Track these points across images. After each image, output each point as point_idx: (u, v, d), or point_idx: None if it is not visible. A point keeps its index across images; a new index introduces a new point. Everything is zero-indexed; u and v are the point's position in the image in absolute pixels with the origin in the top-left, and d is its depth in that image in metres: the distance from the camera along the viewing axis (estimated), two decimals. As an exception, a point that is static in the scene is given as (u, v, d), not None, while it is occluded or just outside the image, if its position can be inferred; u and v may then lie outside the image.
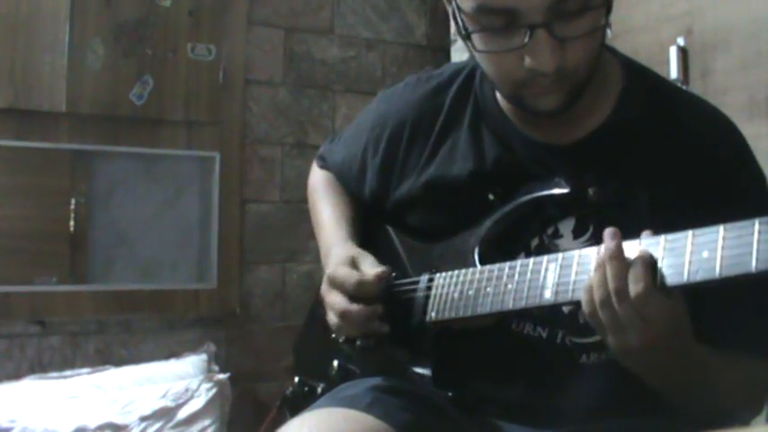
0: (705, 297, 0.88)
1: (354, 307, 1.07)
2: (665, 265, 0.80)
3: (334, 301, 1.10)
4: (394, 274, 1.14)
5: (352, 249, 1.16)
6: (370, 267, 1.09)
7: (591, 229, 1.00)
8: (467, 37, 0.96)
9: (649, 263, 0.80)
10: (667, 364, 0.87)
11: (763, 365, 0.97)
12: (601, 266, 0.83)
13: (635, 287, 0.80)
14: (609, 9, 0.94)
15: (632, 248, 0.82)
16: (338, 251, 1.16)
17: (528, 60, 0.91)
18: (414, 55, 3.19)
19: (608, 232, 0.84)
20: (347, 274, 1.09)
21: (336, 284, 1.10)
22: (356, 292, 1.08)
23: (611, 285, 0.81)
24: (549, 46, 0.90)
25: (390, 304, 1.09)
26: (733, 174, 0.99)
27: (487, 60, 0.98)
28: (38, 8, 2.54)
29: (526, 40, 0.90)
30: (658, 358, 0.85)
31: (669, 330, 0.82)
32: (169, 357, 2.63)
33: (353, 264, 1.11)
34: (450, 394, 1.04)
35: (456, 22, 0.98)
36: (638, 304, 0.80)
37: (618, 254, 0.82)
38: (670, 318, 0.82)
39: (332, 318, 1.11)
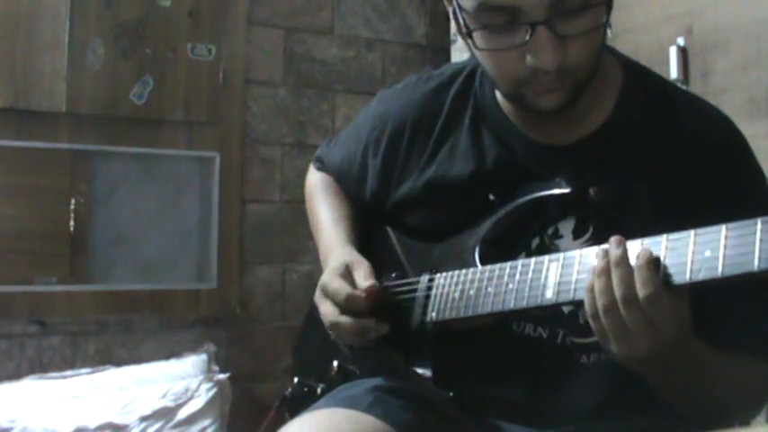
0: (706, 296, 0.87)
1: (344, 320, 1.07)
2: (667, 264, 0.79)
3: (326, 311, 1.10)
4: (394, 275, 1.14)
5: (349, 254, 1.15)
6: (363, 278, 1.09)
7: (591, 230, 1.00)
8: (468, 35, 0.95)
9: (655, 265, 0.79)
10: (672, 365, 0.86)
11: (763, 365, 0.96)
12: (604, 273, 0.81)
13: (643, 291, 0.79)
14: (610, 6, 0.94)
15: (635, 250, 0.81)
16: (336, 255, 1.16)
17: (529, 58, 0.91)
18: (414, 55, 3.19)
19: (614, 239, 0.83)
20: (338, 287, 1.09)
21: (328, 295, 1.11)
22: (346, 306, 1.08)
23: (617, 292, 0.80)
24: (551, 43, 0.90)
25: (390, 305, 1.09)
26: (733, 174, 0.99)
27: (488, 59, 0.97)
28: (38, 8, 2.54)
29: (527, 37, 0.90)
30: (664, 361, 0.84)
31: (677, 333, 0.81)
32: (169, 357, 2.63)
33: (347, 272, 1.11)
34: (450, 394, 1.04)
35: (457, 21, 0.98)
36: (648, 308, 0.79)
37: (624, 261, 0.81)
38: (677, 320, 0.81)
39: (326, 325, 1.12)
